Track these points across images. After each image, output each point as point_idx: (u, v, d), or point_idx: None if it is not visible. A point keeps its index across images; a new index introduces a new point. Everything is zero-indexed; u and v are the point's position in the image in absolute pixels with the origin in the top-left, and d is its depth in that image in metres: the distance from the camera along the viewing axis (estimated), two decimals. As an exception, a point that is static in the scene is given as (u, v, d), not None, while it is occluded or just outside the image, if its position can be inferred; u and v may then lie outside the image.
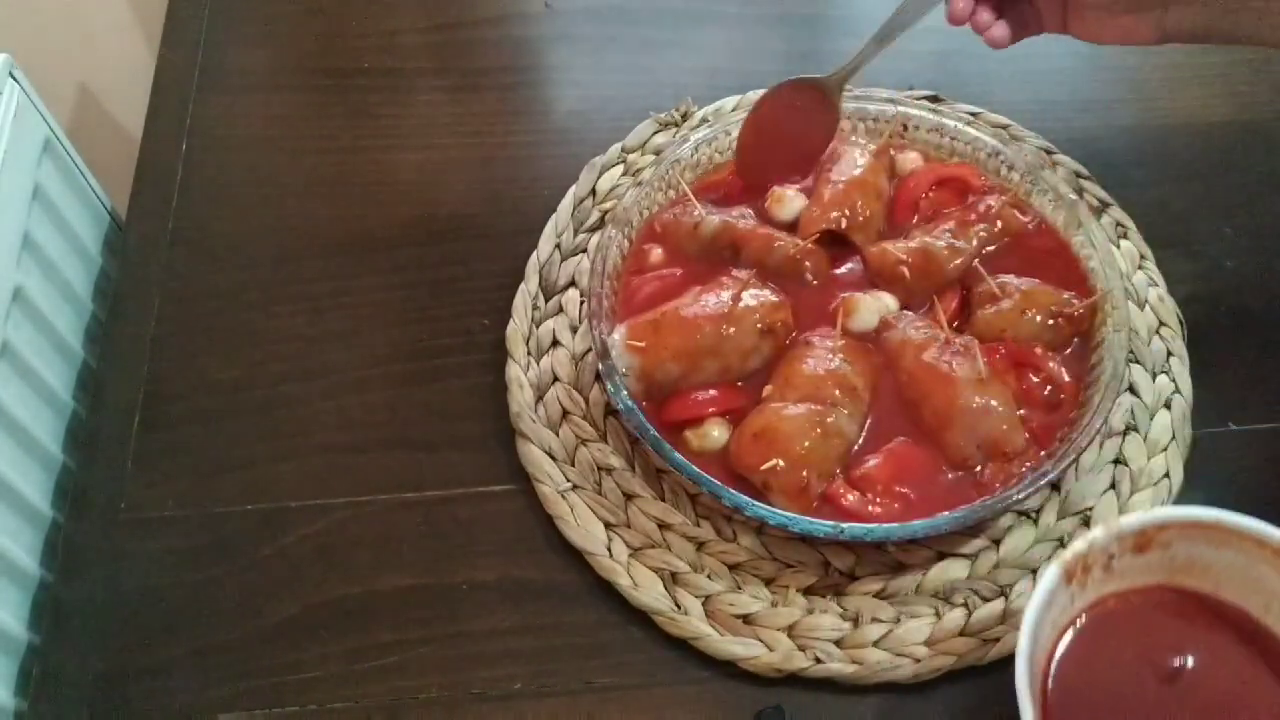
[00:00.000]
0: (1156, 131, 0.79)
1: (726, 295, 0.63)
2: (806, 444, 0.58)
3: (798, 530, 0.57)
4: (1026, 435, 0.59)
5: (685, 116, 0.77)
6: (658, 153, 0.75)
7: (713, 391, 0.62)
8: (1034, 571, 0.60)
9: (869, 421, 0.61)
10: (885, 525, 0.57)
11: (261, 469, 0.65)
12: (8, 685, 0.59)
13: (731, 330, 0.61)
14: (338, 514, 0.63)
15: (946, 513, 0.57)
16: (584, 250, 0.71)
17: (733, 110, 0.77)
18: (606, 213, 0.73)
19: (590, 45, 0.84)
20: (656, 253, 0.67)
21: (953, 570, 0.60)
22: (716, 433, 0.61)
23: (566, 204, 0.73)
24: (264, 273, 0.72)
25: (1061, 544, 0.61)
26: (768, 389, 0.61)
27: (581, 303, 0.69)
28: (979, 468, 0.59)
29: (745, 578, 0.60)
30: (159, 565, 0.62)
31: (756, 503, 0.57)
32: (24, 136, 0.69)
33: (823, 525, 0.56)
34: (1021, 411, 0.60)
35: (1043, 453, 0.59)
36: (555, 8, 0.86)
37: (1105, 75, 0.82)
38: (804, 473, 0.58)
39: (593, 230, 0.72)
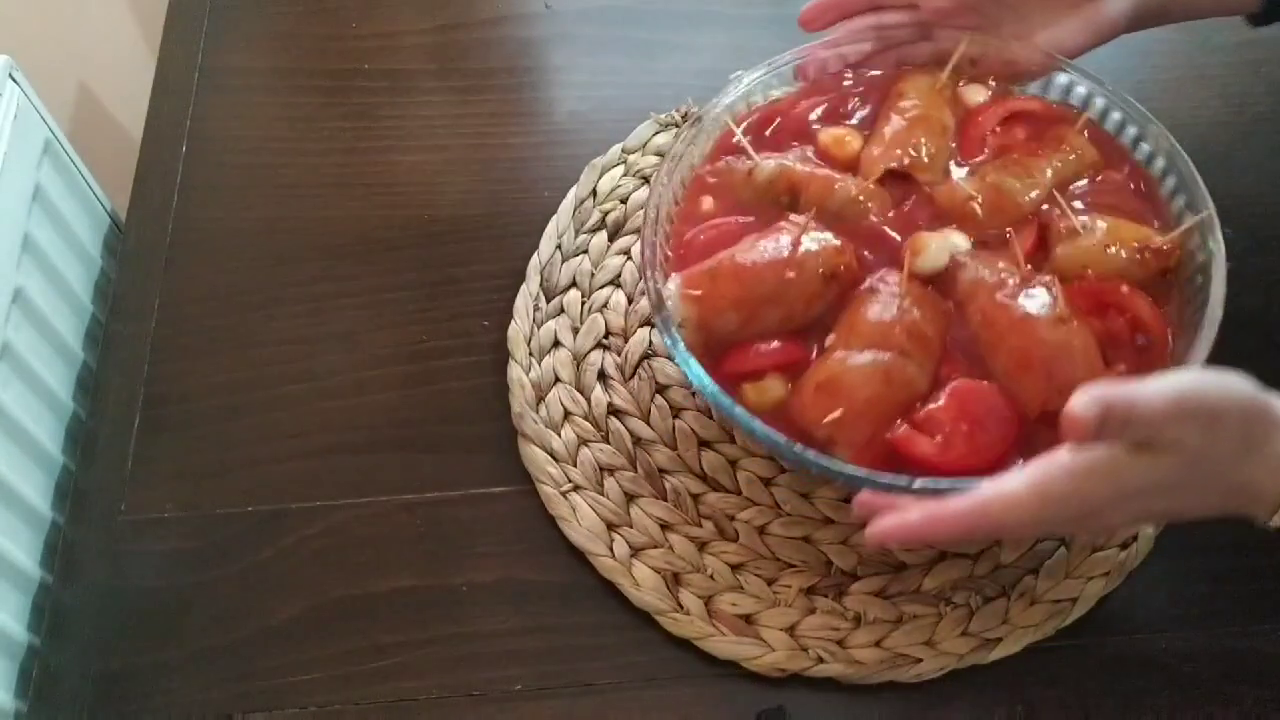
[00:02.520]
0: (1156, 132, 0.79)
1: (786, 240, 0.59)
2: (872, 395, 0.55)
3: (870, 485, 0.52)
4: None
5: (685, 117, 0.77)
6: (658, 153, 0.75)
7: (776, 343, 0.58)
8: (1035, 572, 0.60)
9: (938, 374, 0.57)
10: (955, 484, 0.51)
11: (261, 470, 0.65)
12: (7, 687, 0.59)
13: (793, 276, 0.58)
14: (338, 515, 0.63)
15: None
16: (585, 251, 0.71)
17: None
18: (607, 213, 0.73)
19: (590, 46, 0.84)
20: (709, 202, 0.64)
21: (954, 570, 0.60)
22: (775, 387, 0.57)
23: (567, 205, 0.73)
24: (264, 274, 0.72)
25: (1063, 543, 0.61)
26: (830, 338, 0.58)
27: (583, 303, 0.69)
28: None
29: (747, 577, 0.60)
30: (159, 567, 0.62)
31: (824, 459, 0.53)
32: (24, 138, 0.69)
33: (894, 479, 0.51)
34: (1109, 356, 0.56)
35: None
36: (555, 9, 0.85)
37: (1104, 76, 0.82)
38: (869, 425, 0.55)
39: (593, 231, 0.72)
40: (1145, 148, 0.64)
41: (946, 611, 0.58)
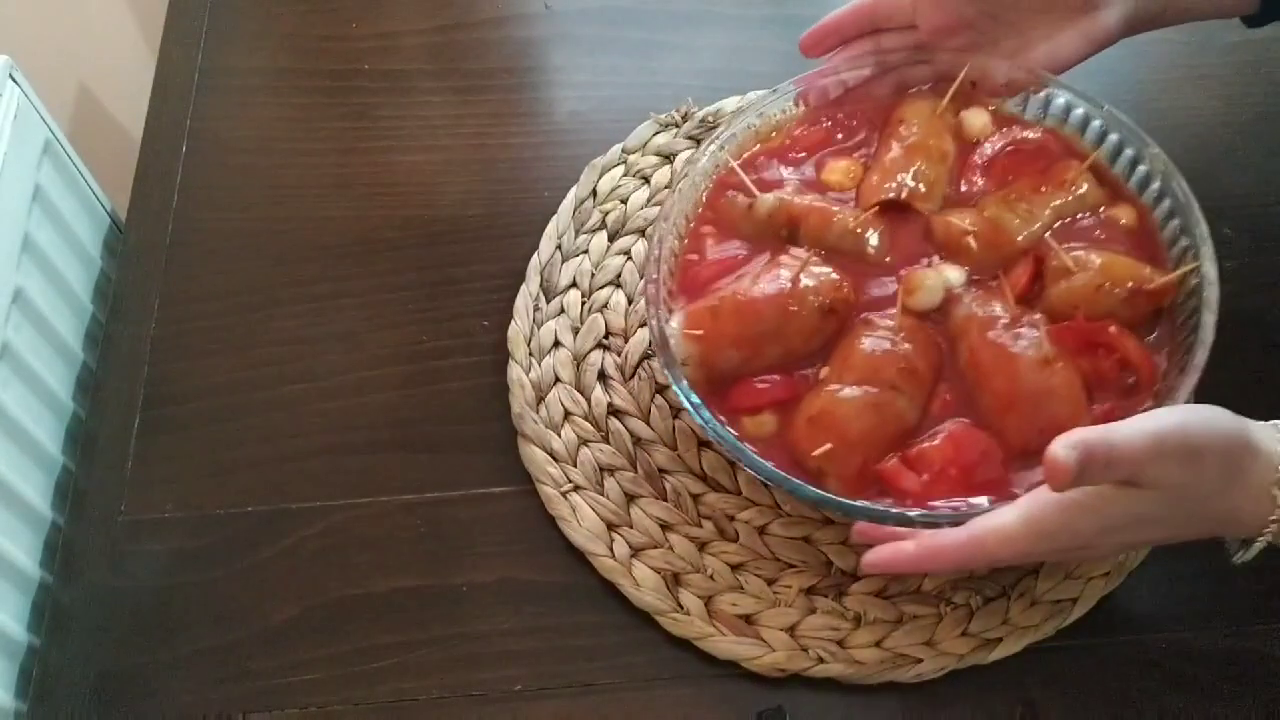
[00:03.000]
0: (1154, 133, 0.78)
1: (785, 276, 0.60)
2: (862, 428, 0.56)
3: (867, 517, 0.54)
4: (1094, 422, 0.54)
5: (685, 117, 0.77)
6: (659, 153, 0.75)
7: (776, 378, 0.59)
8: (1035, 572, 0.60)
9: (930, 407, 0.58)
10: (953, 514, 0.53)
11: (262, 471, 0.65)
12: (7, 687, 0.59)
13: (793, 311, 0.59)
14: (338, 515, 0.63)
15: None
16: (585, 251, 0.71)
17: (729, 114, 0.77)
18: (608, 214, 0.73)
19: (590, 47, 0.84)
20: (711, 238, 0.65)
21: (954, 570, 0.60)
22: (770, 422, 0.59)
23: (567, 205, 0.73)
24: (264, 274, 0.72)
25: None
26: (824, 371, 0.59)
27: (583, 303, 0.69)
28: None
29: (747, 578, 0.60)
30: (158, 567, 0.62)
31: (828, 494, 0.54)
32: (24, 138, 0.69)
33: (898, 513, 0.53)
34: (1095, 396, 0.57)
35: None
36: (555, 9, 0.85)
37: (1102, 77, 0.82)
38: (859, 458, 0.56)
39: (593, 231, 0.72)
40: (1142, 169, 0.64)
41: (946, 612, 0.58)
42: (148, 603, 0.61)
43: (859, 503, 0.54)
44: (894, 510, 0.54)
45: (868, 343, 0.58)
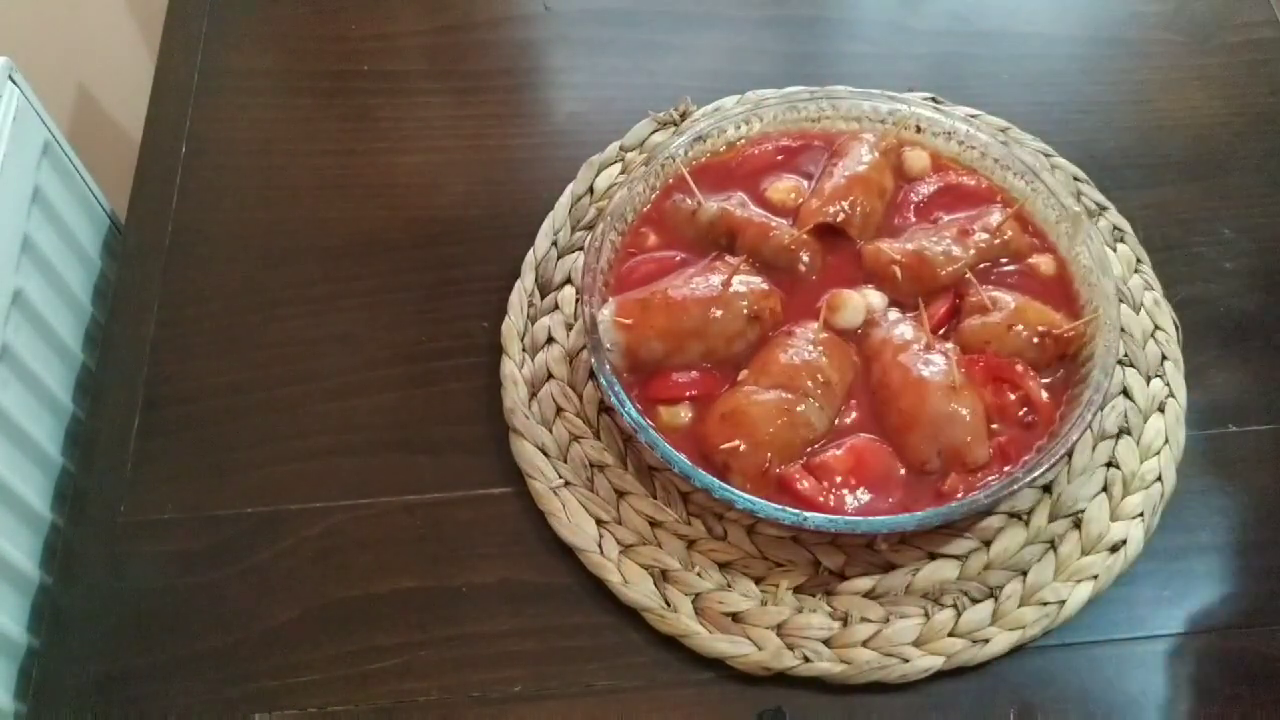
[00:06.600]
0: (1155, 133, 0.79)
1: (717, 280, 0.63)
2: (771, 430, 0.59)
3: (761, 515, 0.56)
4: (992, 450, 0.59)
5: (684, 116, 0.77)
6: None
7: (694, 374, 0.62)
8: (1024, 574, 0.60)
9: (841, 418, 0.61)
10: (850, 518, 0.57)
11: (261, 472, 0.65)
12: (7, 689, 0.59)
13: (718, 314, 0.62)
14: (338, 517, 0.63)
15: (927, 510, 0.57)
16: (581, 248, 0.71)
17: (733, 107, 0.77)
18: (603, 209, 0.73)
19: (589, 48, 0.84)
20: (653, 237, 0.68)
21: (943, 571, 0.60)
22: (684, 412, 0.61)
23: (564, 201, 0.73)
24: (263, 275, 0.72)
25: (1052, 546, 0.61)
26: (743, 373, 0.62)
27: (577, 300, 0.69)
28: (936, 475, 0.59)
29: (735, 576, 0.60)
30: (158, 569, 0.62)
31: (726, 486, 0.57)
32: (24, 139, 0.69)
33: (787, 512, 0.56)
34: (995, 426, 0.60)
35: (1005, 468, 0.59)
36: (554, 10, 0.86)
37: (1104, 77, 0.82)
38: (766, 457, 0.58)
39: (590, 227, 0.72)
40: (1065, 239, 0.66)
41: (935, 612, 0.59)
42: (147, 604, 0.61)
43: (758, 500, 0.56)
44: (790, 511, 0.56)
45: (787, 351, 0.61)
